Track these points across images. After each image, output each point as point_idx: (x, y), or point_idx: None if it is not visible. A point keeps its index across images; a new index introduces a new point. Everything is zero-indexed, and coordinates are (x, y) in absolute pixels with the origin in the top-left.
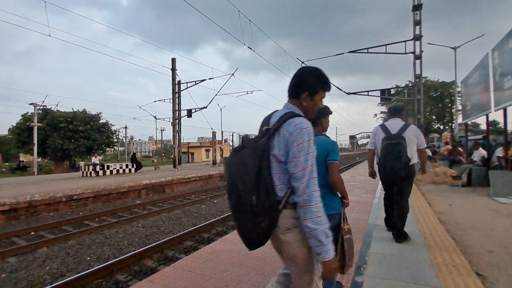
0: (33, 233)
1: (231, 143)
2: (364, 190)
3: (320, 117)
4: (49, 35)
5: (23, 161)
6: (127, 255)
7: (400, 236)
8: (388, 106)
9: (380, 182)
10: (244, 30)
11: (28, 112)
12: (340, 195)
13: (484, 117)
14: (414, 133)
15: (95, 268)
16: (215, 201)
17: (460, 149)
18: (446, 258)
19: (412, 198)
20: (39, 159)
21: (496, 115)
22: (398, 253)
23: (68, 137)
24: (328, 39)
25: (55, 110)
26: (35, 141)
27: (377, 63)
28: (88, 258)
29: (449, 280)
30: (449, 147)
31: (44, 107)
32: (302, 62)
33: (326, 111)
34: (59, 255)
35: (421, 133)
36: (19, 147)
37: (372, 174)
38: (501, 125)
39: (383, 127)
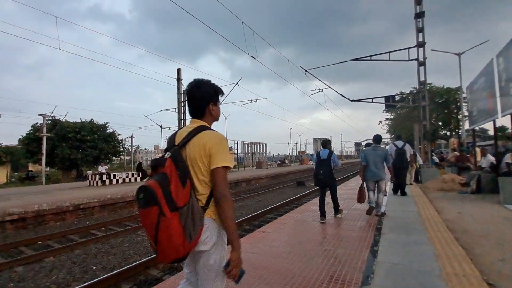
0: (40, 242)
1: (235, 152)
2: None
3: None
4: (59, 48)
5: (31, 170)
6: (132, 264)
7: (403, 193)
8: (395, 135)
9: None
10: (247, 40)
11: (37, 123)
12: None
13: (492, 122)
14: (408, 147)
15: (100, 278)
16: None
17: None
18: (455, 267)
19: (419, 206)
20: (47, 169)
21: (503, 121)
22: (406, 263)
23: (76, 146)
24: (329, 46)
25: (63, 120)
26: (44, 151)
27: (380, 70)
28: (94, 268)
29: None
30: (457, 153)
31: (53, 118)
32: (306, 71)
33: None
34: (65, 265)
35: (410, 147)
36: (28, 157)
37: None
38: (510, 130)
39: (394, 144)
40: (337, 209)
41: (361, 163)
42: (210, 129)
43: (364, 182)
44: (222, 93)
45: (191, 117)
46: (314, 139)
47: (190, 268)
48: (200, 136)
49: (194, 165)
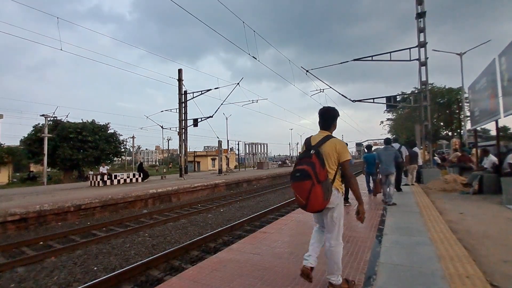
0: (41, 242)
1: (236, 152)
2: (372, 199)
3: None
4: (61, 49)
5: (33, 171)
6: (133, 265)
7: (399, 189)
8: (393, 137)
9: None
10: (247, 40)
11: (39, 124)
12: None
13: (494, 122)
14: (403, 149)
15: (101, 279)
16: (221, 210)
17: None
18: (459, 268)
19: (421, 206)
20: (49, 169)
21: (506, 121)
22: (408, 263)
23: (77, 147)
24: (330, 47)
25: (65, 121)
26: (45, 152)
27: (381, 70)
28: (95, 268)
29: None
30: (459, 153)
31: (55, 118)
32: (307, 71)
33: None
34: (66, 265)
35: (405, 149)
36: (29, 157)
37: None
38: None
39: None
40: (347, 198)
41: (364, 163)
42: (334, 137)
43: (379, 176)
44: (339, 115)
45: (320, 129)
46: None
47: (318, 219)
48: (331, 141)
49: (327, 158)
